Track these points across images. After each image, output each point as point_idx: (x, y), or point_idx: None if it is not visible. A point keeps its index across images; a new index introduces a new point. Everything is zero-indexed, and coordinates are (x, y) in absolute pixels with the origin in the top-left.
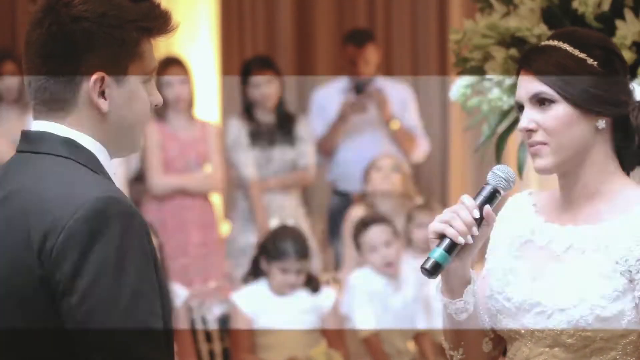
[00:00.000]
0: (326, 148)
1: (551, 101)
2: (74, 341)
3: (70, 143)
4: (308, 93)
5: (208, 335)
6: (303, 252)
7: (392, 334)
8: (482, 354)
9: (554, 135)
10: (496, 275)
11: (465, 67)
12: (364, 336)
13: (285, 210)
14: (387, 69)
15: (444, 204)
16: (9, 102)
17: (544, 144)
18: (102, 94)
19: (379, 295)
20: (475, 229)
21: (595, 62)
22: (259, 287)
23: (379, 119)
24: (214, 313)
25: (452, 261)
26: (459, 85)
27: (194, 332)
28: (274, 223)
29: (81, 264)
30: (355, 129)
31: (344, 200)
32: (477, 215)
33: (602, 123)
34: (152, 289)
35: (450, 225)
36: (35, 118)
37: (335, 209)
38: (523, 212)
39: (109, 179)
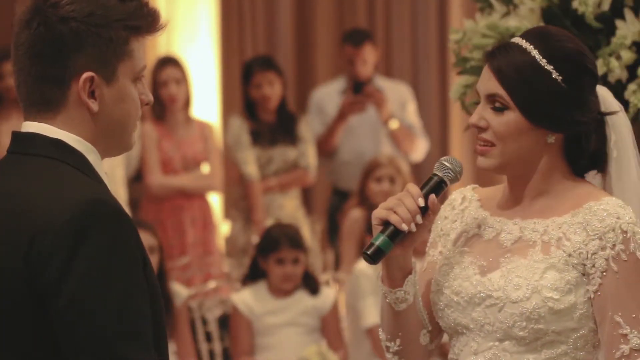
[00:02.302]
0: (325, 148)
1: (505, 106)
2: (61, 343)
3: (59, 144)
4: (308, 93)
5: (208, 335)
6: (296, 241)
7: None
8: (419, 346)
9: (501, 139)
10: (443, 269)
11: (465, 67)
12: (368, 327)
13: (286, 210)
14: (387, 68)
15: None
16: (10, 102)
17: (492, 144)
18: (91, 94)
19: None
20: (419, 217)
21: (560, 77)
22: (259, 288)
23: (378, 119)
24: (214, 313)
25: (394, 249)
26: (459, 85)
27: (194, 332)
28: (269, 222)
29: (68, 267)
30: (354, 128)
31: (344, 200)
32: (422, 203)
33: (552, 138)
34: (140, 291)
35: (395, 212)
36: (26, 119)
37: (334, 208)
38: (468, 207)
39: (99, 180)
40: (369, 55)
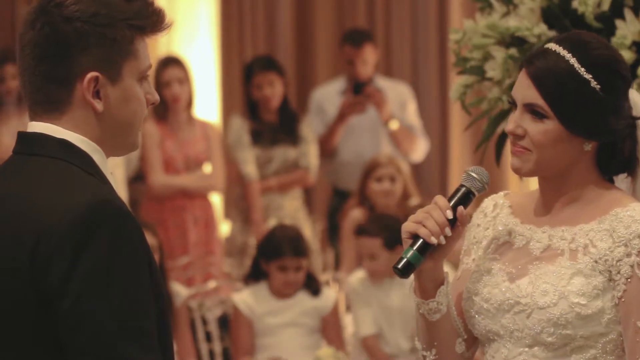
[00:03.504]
0: (325, 148)
1: (545, 115)
2: (65, 344)
3: (65, 144)
4: (308, 93)
5: (208, 335)
6: (300, 250)
7: (394, 333)
8: (455, 355)
9: (539, 147)
10: (473, 277)
11: (465, 67)
12: (362, 337)
13: (286, 211)
14: (387, 69)
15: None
16: (11, 103)
17: (529, 150)
18: (96, 93)
19: (376, 296)
20: (448, 230)
21: (599, 86)
22: (260, 288)
23: (378, 119)
24: (214, 313)
25: (424, 261)
26: (459, 85)
27: (194, 332)
28: (272, 223)
29: (72, 268)
30: (354, 128)
31: (344, 200)
32: (450, 215)
33: (588, 146)
34: (145, 291)
35: (423, 226)
36: (32, 119)
37: (335, 209)
38: (499, 214)
39: (104, 180)
40: (369, 56)
